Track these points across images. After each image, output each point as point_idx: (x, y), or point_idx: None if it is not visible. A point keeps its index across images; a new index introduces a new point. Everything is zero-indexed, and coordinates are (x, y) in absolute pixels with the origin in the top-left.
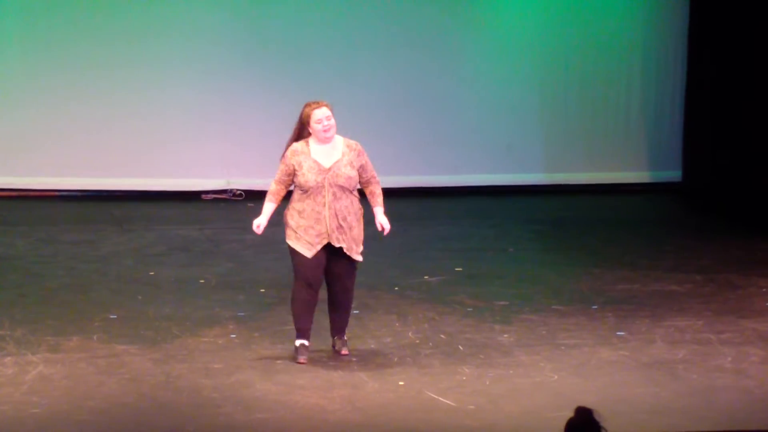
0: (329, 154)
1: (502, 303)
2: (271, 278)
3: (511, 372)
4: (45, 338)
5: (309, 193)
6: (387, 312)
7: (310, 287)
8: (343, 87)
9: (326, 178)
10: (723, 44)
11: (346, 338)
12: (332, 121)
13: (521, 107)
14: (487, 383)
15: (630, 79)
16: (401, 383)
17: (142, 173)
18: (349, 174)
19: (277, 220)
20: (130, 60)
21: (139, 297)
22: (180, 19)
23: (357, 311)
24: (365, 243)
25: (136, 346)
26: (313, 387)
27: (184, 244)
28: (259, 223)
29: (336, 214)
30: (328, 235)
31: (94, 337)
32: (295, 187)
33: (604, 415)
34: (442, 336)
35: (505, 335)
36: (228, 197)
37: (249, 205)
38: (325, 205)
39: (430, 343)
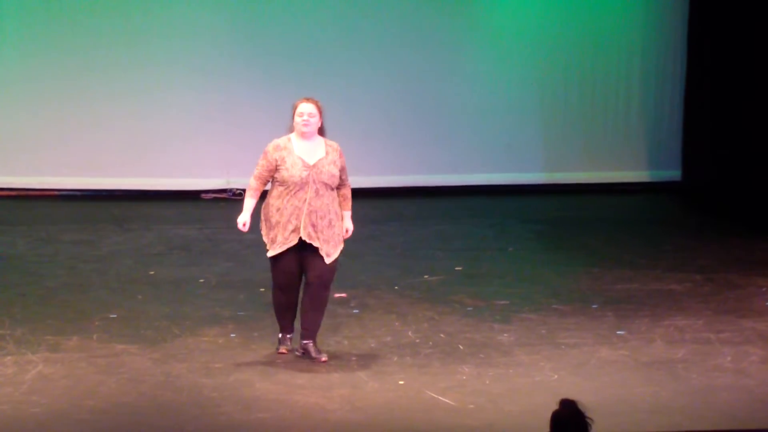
0: (313, 151)
1: (502, 302)
2: (271, 278)
3: (510, 371)
4: (45, 338)
5: (290, 188)
6: (387, 311)
7: (286, 291)
8: (343, 87)
9: (311, 174)
10: (723, 44)
11: (316, 344)
12: (315, 119)
13: (521, 107)
14: (487, 382)
15: (630, 79)
16: (401, 383)
17: (142, 173)
18: (332, 172)
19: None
20: (130, 60)
21: (139, 297)
22: (180, 20)
23: (357, 311)
24: (364, 242)
25: (135, 346)
26: (313, 386)
27: (183, 244)
28: (245, 221)
29: (314, 211)
30: (303, 229)
31: (94, 337)
32: (274, 183)
33: (602, 413)
34: (442, 335)
35: (505, 335)
36: (228, 197)
37: None
38: (305, 201)
39: (430, 343)
